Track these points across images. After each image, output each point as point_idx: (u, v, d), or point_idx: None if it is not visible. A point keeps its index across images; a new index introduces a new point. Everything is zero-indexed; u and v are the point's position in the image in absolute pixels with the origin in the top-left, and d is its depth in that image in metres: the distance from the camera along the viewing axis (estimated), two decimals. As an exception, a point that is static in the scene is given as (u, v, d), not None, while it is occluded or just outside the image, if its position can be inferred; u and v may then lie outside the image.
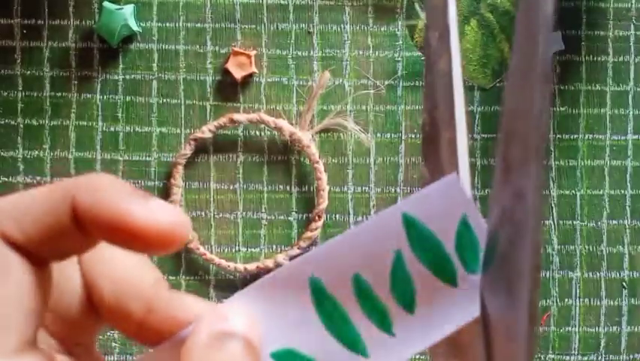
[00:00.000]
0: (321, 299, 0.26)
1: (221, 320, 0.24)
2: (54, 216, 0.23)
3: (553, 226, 0.56)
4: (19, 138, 0.56)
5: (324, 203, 0.55)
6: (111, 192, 0.23)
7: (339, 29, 0.56)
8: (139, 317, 0.26)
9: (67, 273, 0.26)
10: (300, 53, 0.56)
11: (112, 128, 0.56)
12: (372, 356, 0.26)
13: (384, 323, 0.26)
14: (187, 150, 0.55)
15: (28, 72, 0.56)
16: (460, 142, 0.26)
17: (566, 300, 0.57)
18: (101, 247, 0.25)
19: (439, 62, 0.26)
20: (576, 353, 0.56)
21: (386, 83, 0.56)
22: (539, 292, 0.56)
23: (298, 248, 0.56)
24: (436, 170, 0.27)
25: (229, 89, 0.56)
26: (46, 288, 0.24)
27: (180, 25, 0.56)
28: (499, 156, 0.25)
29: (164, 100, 0.56)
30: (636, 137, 0.56)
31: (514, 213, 0.23)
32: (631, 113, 0.57)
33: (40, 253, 0.24)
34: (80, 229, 0.23)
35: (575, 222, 0.57)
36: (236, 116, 0.55)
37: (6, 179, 0.56)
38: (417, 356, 0.56)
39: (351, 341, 0.26)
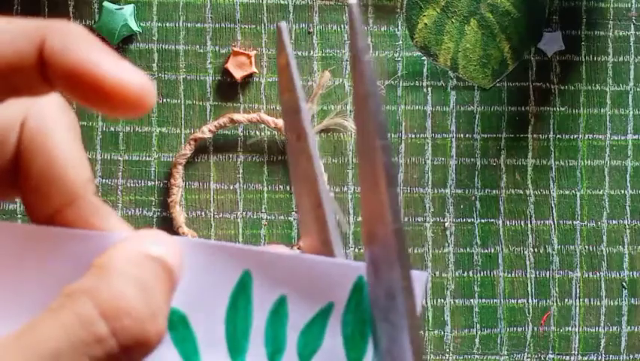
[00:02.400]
0: (241, 294, 0.25)
1: (153, 242, 0.24)
2: (20, 49, 0.22)
3: (553, 226, 0.56)
4: (19, 137, 0.56)
5: (324, 203, 0.55)
6: (85, 42, 0.22)
7: (339, 29, 0.56)
8: (55, 205, 0.25)
9: (8, 128, 0.25)
10: (300, 53, 0.56)
11: (112, 128, 0.56)
12: None
13: (274, 355, 0.25)
14: (187, 150, 0.55)
15: (28, 72, 0.56)
16: (335, 244, 0.26)
17: (566, 300, 0.57)
18: (49, 121, 0.25)
19: (300, 161, 0.27)
20: (576, 353, 0.56)
21: (386, 83, 0.56)
22: None
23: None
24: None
25: (229, 89, 0.56)
26: None
27: (180, 25, 0.56)
28: (366, 258, 0.25)
29: (164, 100, 0.56)
30: (636, 137, 0.56)
31: (388, 313, 0.24)
32: (631, 113, 0.57)
33: None
34: (42, 71, 0.22)
35: (575, 222, 0.57)
36: (237, 116, 0.55)
37: (6, 179, 0.56)
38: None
39: (236, 348, 0.25)
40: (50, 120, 0.25)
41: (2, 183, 0.25)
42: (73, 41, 0.22)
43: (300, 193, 0.27)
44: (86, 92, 0.22)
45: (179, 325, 0.25)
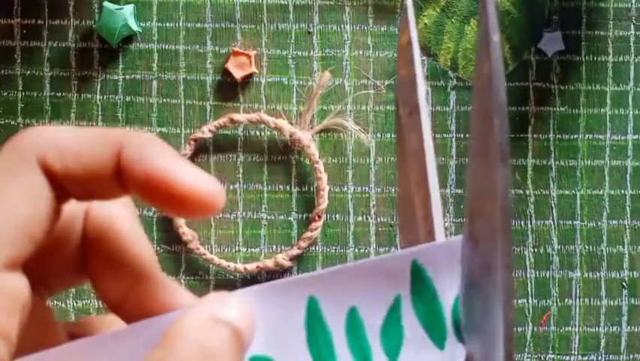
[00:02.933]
0: (313, 320, 0.26)
1: (220, 305, 0.24)
2: (98, 158, 0.24)
3: (553, 226, 0.56)
4: (19, 137, 0.56)
5: (324, 203, 0.55)
6: (160, 151, 0.24)
7: (339, 29, 0.56)
8: (125, 285, 0.26)
9: (73, 217, 0.26)
10: (300, 53, 0.56)
11: (112, 128, 0.56)
12: None
13: None
14: (187, 150, 0.55)
15: (28, 72, 0.56)
16: (437, 223, 0.27)
17: (566, 300, 0.57)
18: (111, 207, 0.26)
19: (410, 138, 0.27)
20: (576, 353, 0.56)
21: (386, 83, 0.56)
22: None
23: (298, 248, 0.56)
24: (413, 244, 0.27)
25: (229, 89, 0.56)
26: (52, 222, 0.24)
27: (180, 25, 0.56)
28: (465, 231, 0.25)
29: (164, 100, 0.56)
30: (636, 137, 0.56)
31: (483, 286, 0.24)
32: (631, 113, 0.57)
33: (69, 188, 0.24)
34: (118, 179, 0.24)
35: (575, 222, 0.57)
36: (237, 116, 0.55)
37: (6, 179, 0.56)
38: None
39: None
40: (112, 206, 0.26)
41: (71, 270, 0.26)
42: (149, 150, 0.24)
43: (404, 171, 0.28)
44: (161, 199, 0.24)
45: None
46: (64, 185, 0.24)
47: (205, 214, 0.24)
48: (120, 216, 0.26)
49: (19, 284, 0.23)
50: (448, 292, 0.26)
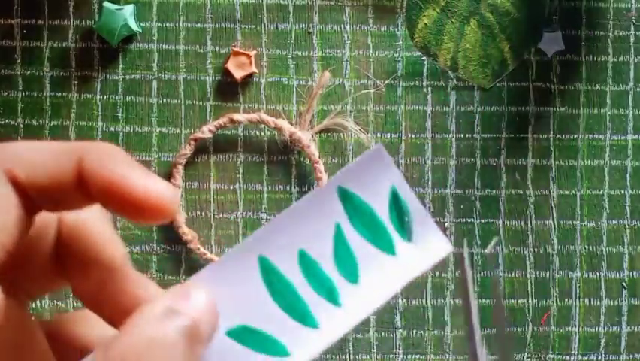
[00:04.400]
0: (271, 276, 0.27)
1: (176, 297, 0.26)
2: (61, 169, 0.25)
3: (553, 226, 0.56)
4: (19, 138, 0.56)
5: (324, 203, 0.55)
6: (117, 159, 0.25)
7: (339, 29, 0.56)
8: (97, 281, 0.27)
9: (46, 224, 0.28)
10: (300, 53, 0.56)
11: (112, 128, 0.56)
12: (322, 327, 0.27)
13: (331, 295, 0.27)
14: (187, 150, 0.55)
15: (28, 72, 0.56)
16: None
17: (566, 300, 0.57)
18: (83, 211, 0.27)
19: None
20: (576, 353, 0.56)
21: (386, 83, 0.56)
22: None
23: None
24: None
25: (229, 89, 0.56)
26: (22, 231, 0.26)
27: (180, 25, 0.56)
28: None
29: (164, 100, 0.56)
30: (636, 137, 0.56)
31: None
32: (631, 113, 0.57)
33: (37, 199, 0.26)
34: (80, 188, 0.25)
35: (575, 222, 0.57)
36: (236, 116, 0.55)
37: (6, 179, 0.56)
38: (415, 357, 0.56)
39: (301, 314, 0.27)
40: (83, 211, 0.27)
41: (47, 274, 0.28)
42: (107, 159, 0.25)
43: None
44: (118, 204, 0.25)
45: (246, 335, 0.27)
46: (32, 196, 0.26)
47: (160, 218, 0.25)
48: (90, 219, 0.28)
49: None
50: (380, 201, 0.28)
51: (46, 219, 0.27)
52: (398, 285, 0.28)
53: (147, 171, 0.26)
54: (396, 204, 0.28)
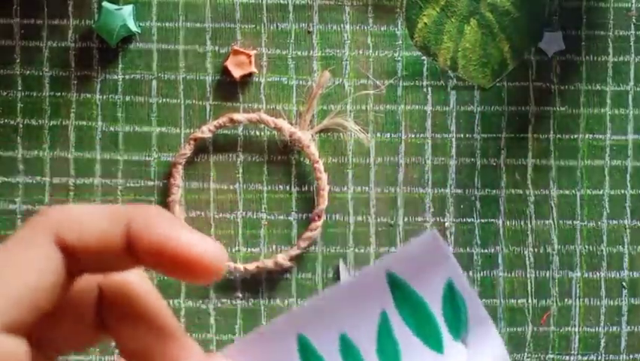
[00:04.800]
0: (308, 357, 0.26)
1: None
2: (110, 234, 0.26)
3: (553, 226, 0.56)
4: (18, 138, 0.56)
5: (324, 203, 0.55)
6: (164, 222, 0.26)
7: (339, 29, 0.56)
8: (147, 339, 0.27)
9: (88, 284, 0.28)
10: (300, 53, 0.56)
11: (112, 128, 0.56)
12: None
13: None
14: (187, 150, 0.55)
15: (28, 72, 0.56)
16: None
17: (566, 300, 0.57)
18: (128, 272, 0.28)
19: None
20: (576, 353, 0.56)
21: (386, 83, 0.56)
22: None
23: (298, 248, 0.56)
24: None
25: (229, 88, 0.56)
26: (61, 293, 0.26)
27: (180, 25, 0.56)
28: None
29: (164, 100, 0.56)
30: (636, 137, 0.56)
31: None
32: (631, 113, 0.57)
33: (83, 261, 0.26)
34: (128, 251, 0.26)
35: (575, 222, 0.57)
36: (236, 116, 0.55)
37: (5, 179, 0.56)
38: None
39: None
40: (127, 273, 0.28)
41: (84, 332, 0.28)
42: (154, 221, 0.26)
43: None
44: (168, 267, 0.26)
45: None
46: (78, 258, 0.26)
47: (209, 278, 0.26)
48: (136, 279, 0.28)
49: (16, 349, 0.25)
50: (432, 292, 0.26)
51: (88, 280, 0.28)
52: None
53: (193, 231, 0.26)
54: (452, 300, 0.26)
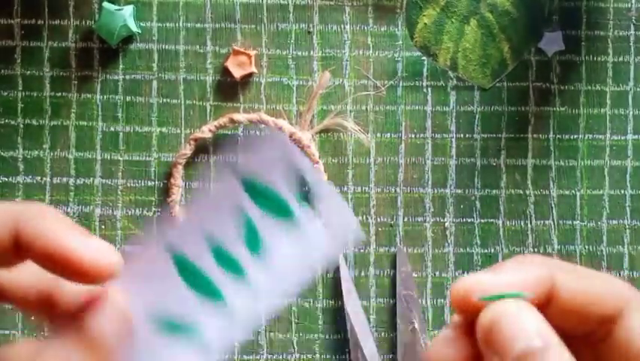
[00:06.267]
0: (183, 267, 0.29)
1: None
2: None
3: (553, 226, 0.56)
4: (19, 138, 0.56)
5: (324, 203, 0.55)
6: (54, 225, 0.26)
7: (339, 29, 0.56)
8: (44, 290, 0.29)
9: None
10: (300, 53, 0.56)
11: (112, 128, 0.56)
12: (232, 305, 0.29)
13: (239, 272, 0.29)
14: (187, 150, 0.55)
15: (28, 72, 0.56)
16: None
17: (566, 300, 0.56)
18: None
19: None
20: (576, 353, 0.56)
21: (386, 83, 0.56)
22: None
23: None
24: None
25: (229, 88, 0.56)
26: None
27: (180, 25, 0.56)
28: None
29: (164, 100, 0.56)
30: (636, 137, 0.56)
31: None
32: (631, 113, 0.57)
33: None
34: (16, 251, 0.26)
35: (575, 222, 0.57)
36: (236, 116, 0.55)
37: (6, 179, 0.56)
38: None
39: (213, 294, 0.29)
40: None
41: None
42: (44, 225, 0.26)
43: None
44: (60, 271, 0.26)
45: (167, 325, 0.29)
46: None
47: (100, 280, 0.26)
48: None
49: None
50: (284, 182, 0.29)
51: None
52: (308, 259, 0.29)
53: (84, 233, 0.26)
54: (301, 185, 0.29)
